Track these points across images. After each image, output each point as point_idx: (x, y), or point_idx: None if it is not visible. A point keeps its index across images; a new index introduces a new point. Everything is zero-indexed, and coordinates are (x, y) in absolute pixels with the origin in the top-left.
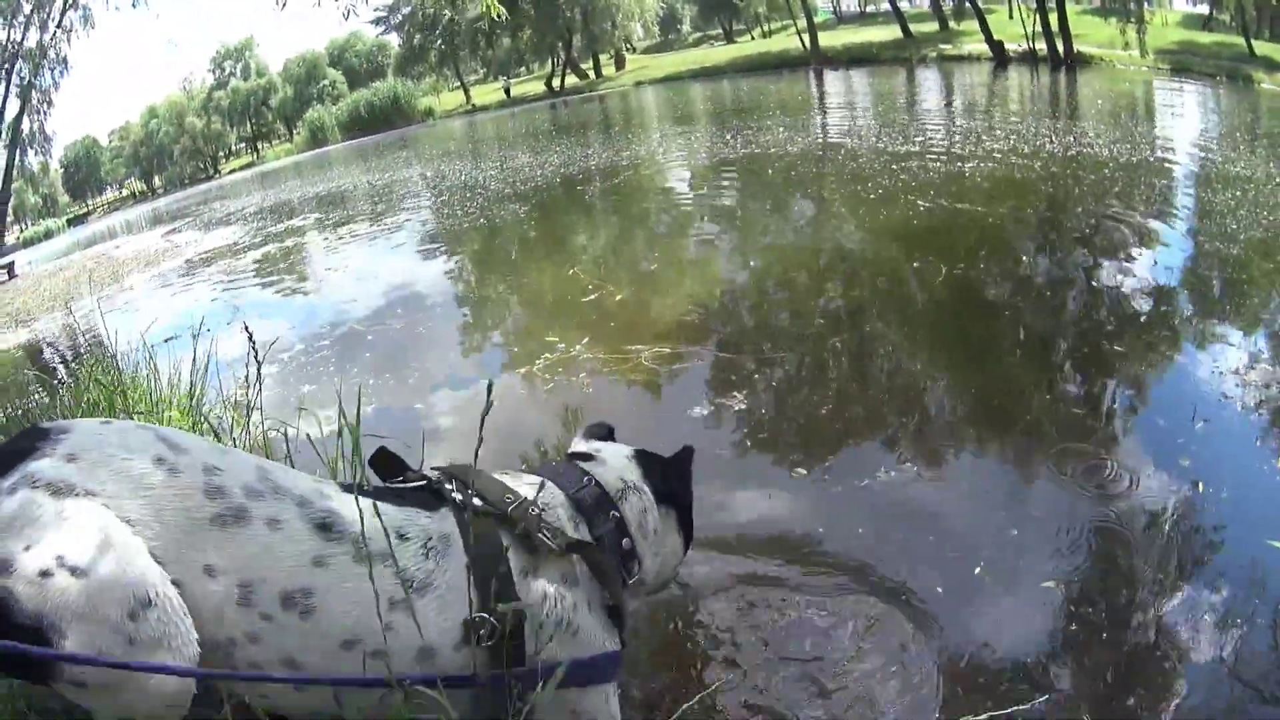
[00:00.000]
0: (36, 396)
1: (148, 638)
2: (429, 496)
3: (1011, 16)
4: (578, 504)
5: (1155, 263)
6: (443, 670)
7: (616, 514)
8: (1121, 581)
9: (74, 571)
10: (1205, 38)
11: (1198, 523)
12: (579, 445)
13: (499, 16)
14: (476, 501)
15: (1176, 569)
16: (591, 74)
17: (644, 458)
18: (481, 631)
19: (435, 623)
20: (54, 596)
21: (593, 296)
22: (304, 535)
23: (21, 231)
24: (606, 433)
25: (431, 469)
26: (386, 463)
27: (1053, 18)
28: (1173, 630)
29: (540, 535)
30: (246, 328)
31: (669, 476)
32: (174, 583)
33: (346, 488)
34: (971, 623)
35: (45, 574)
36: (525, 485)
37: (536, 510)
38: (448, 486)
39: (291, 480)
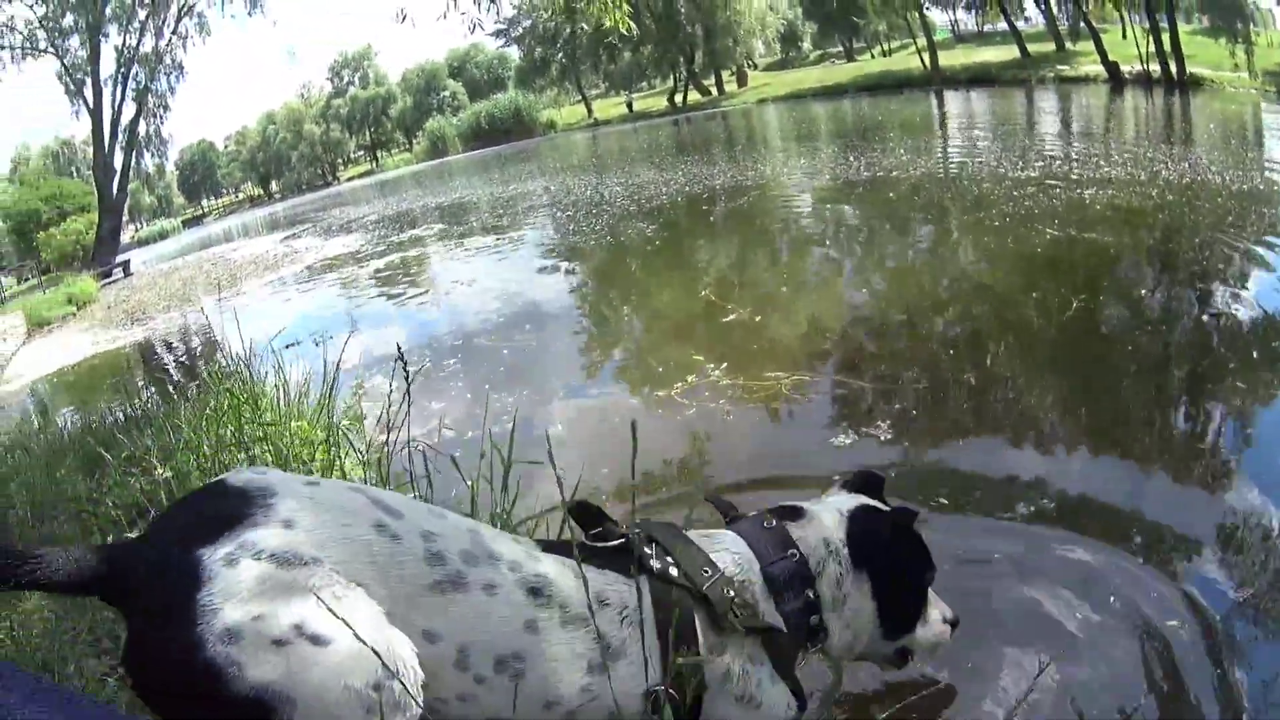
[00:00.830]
0: (154, 398)
1: (389, 706)
2: (628, 559)
3: (1125, 36)
4: (771, 579)
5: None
6: None
7: (811, 593)
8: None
9: (315, 640)
10: None
11: None
12: (808, 503)
13: (628, 32)
14: (673, 571)
15: None
16: (714, 90)
17: (861, 517)
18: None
19: (628, 689)
20: (293, 666)
21: (727, 319)
22: (518, 600)
23: (137, 231)
24: (865, 483)
25: (634, 527)
26: (585, 513)
27: (1165, 38)
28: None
29: (730, 617)
30: (399, 349)
31: (874, 540)
32: None
33: (547, 546)
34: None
35: (280, 643)
36: (723, 551)
37: (731, 591)
38: (647, 550)
39: (502, 545)
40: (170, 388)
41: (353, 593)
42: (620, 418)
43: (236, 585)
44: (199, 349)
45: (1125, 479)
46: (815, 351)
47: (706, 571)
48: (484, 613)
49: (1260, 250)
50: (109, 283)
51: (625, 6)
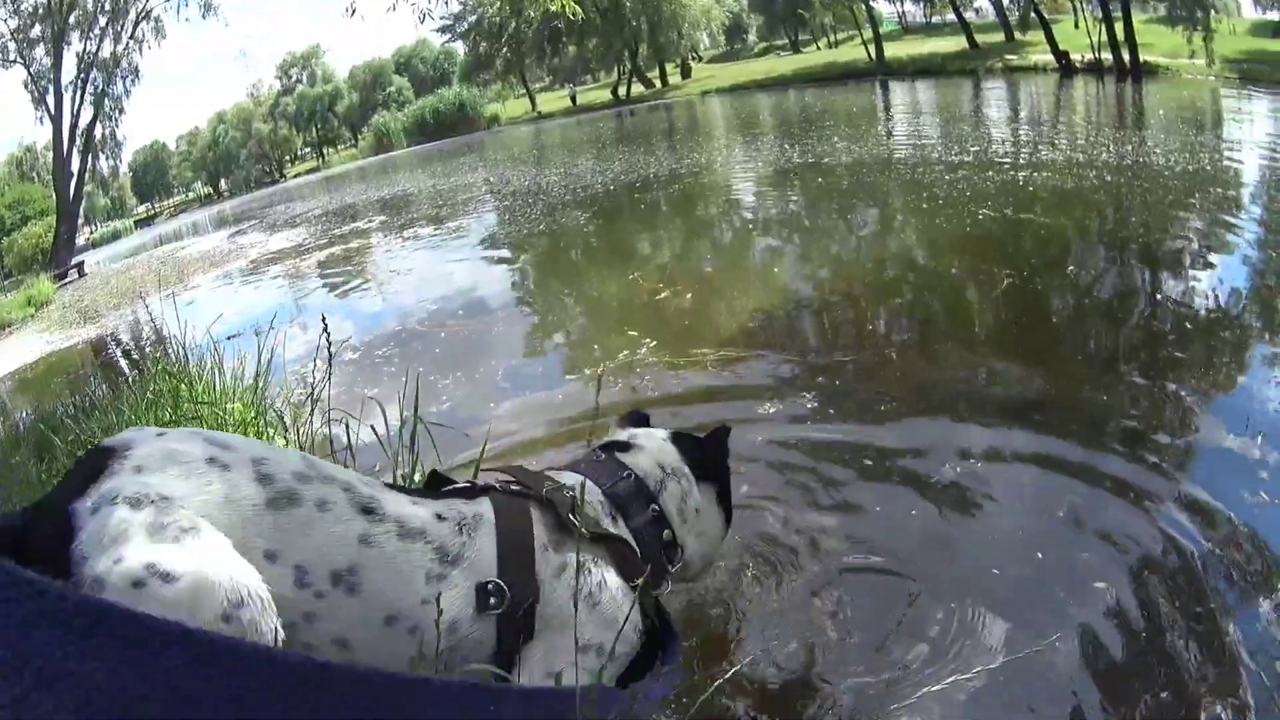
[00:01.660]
0: (103, 389)
1: (241, 636)
2: (471, 490)
3: (1077, 26)
4: (614, 498)
5: (1214, 270)
6: (462, 639)
7: (655, 508)
8: (1173, 591)
9: (166, 578)
10: (1277, 45)
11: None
12: (617, 434)
13: (574, 16)
14: (514, 487)
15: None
16: (658, 83)
17: (681, 439)
18: (493, 600)
19: (466, 596)
20: (149, 607)
21: (655, 299)
22: (351, 516)
23: (91, 233)
24: (642, 420)
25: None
26: (441, 480)
27: (1119, 27)
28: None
29: (570, 518)
30: (324, 319)
31: (708, 455)
32: None
33: (390, 486)
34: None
35: (138, 584)
36: (567, 478)
37: (571, 493)
38: (492, 481)
39: (336, 470)
40: (117, 378)
41: (200, 525)
42: (550, 393)
43: (100, 532)
44: (146, 342)
45: (1049, 451)
46: (743, 329)
47: (549, 484)
48: (317, 527)
49: (1195, 225)
50: (65, 284)
51: None
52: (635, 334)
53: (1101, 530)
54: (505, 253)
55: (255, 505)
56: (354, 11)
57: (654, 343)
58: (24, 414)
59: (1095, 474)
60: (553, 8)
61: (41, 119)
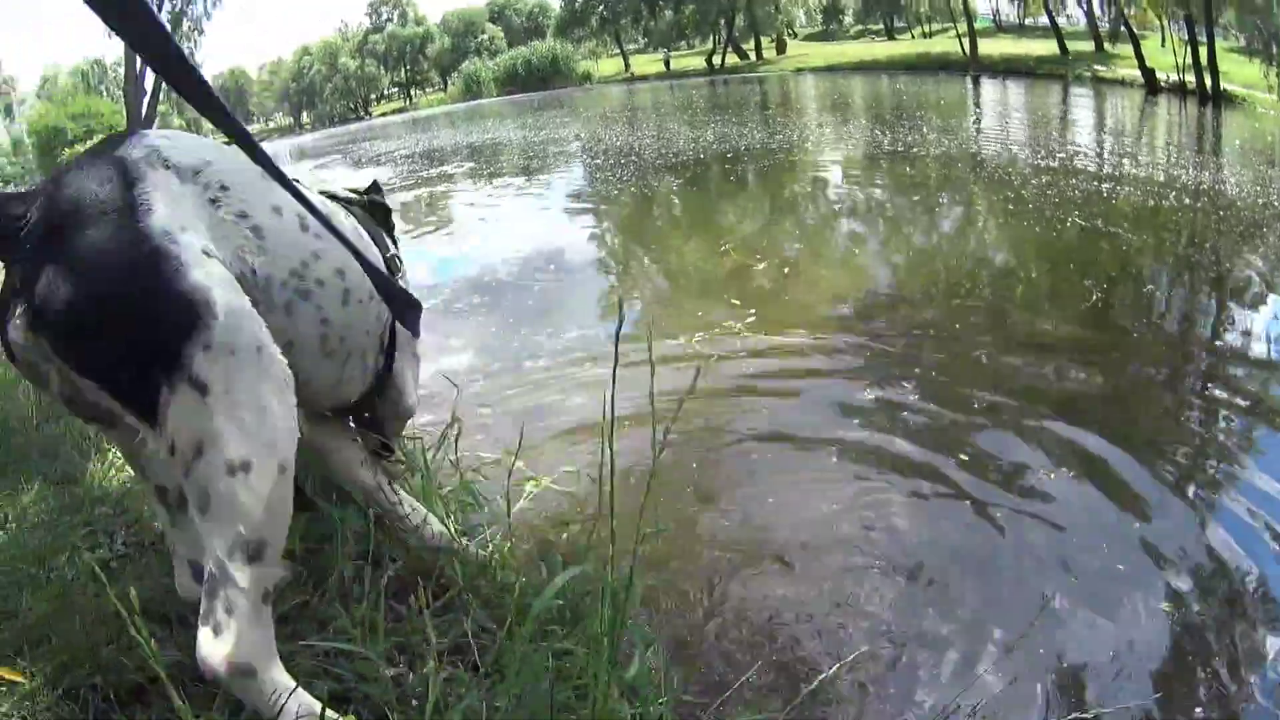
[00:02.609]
0: None
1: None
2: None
3: (1164, 45)
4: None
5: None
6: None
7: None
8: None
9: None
10: None
11: None
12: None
13: None
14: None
15: None
16: (752, 55)
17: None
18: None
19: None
20: (218, 279)
21: (747, 276)
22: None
23: None
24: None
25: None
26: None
27: (1203, 52)
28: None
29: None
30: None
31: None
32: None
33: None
34: (1082, 635)
35: (207, 254)
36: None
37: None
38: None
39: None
40: None
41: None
42: (633, 359)
43: (160, 185)
44: None
45: (1128, 468)
46: (831, 313)
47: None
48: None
49: (1259, 263)
50: None
51: None
52: (736, 304)
53: (1170, 555)
54: (597, 211)
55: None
56: None
57: (751, 318)
58: None
59: (1156, 496)
60: None
61: (111, 34)
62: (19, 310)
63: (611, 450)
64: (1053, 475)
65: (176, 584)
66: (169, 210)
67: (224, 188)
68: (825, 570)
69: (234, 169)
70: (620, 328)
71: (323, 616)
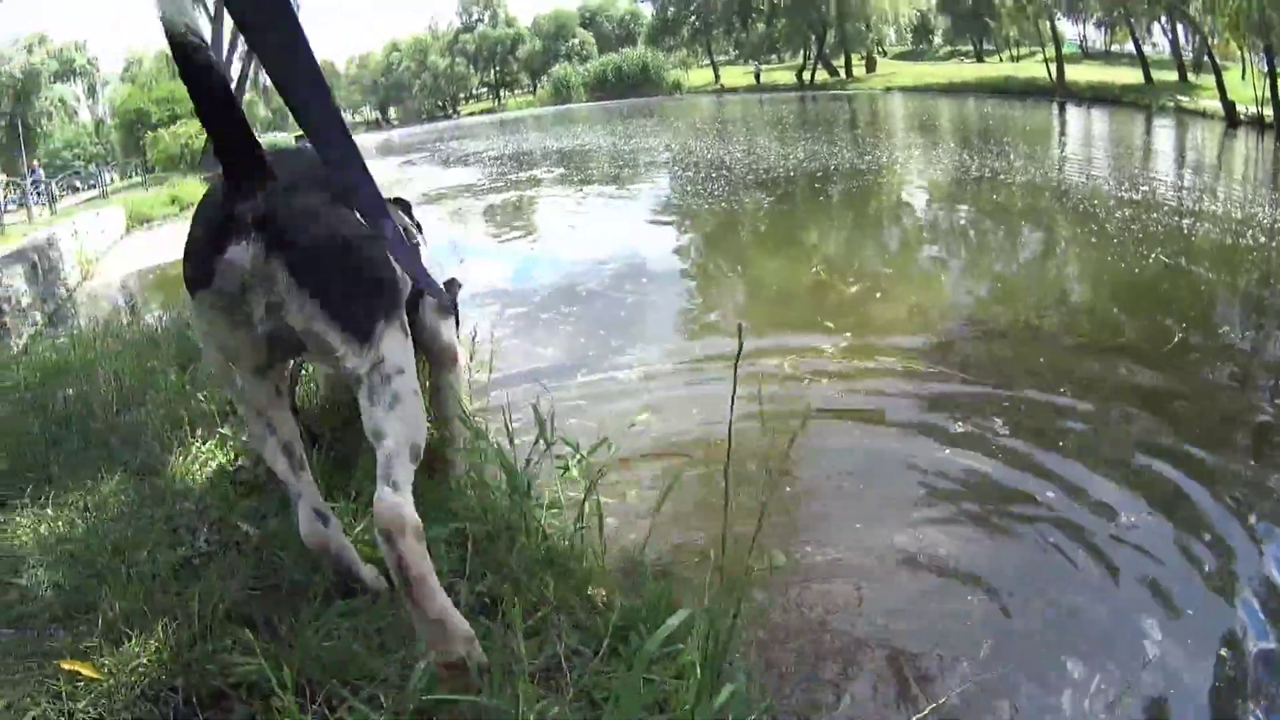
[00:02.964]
0: None
1: None
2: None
3: (1244, 77)
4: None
5: None
6: None
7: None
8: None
9: None
10: None
11: None
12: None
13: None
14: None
15: None
16: (842, 73)
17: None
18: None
19: None
20: None
21: (837, 298)
22: None
23: None
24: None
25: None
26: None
27: None
28: None
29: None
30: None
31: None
32: None
33: None
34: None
35: None
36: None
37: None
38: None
39: None
40: None
41: None
42: (717, 376)
43: None
44: None
45: (1210, 507)
46: (925, 341)
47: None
48: None
49: None
50: None
51: None
52: (830, 326)
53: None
54: (688, 224)
55: None
56: None
57: (844, 341)
58: (161, 317)
59: (1237, 537)
60: None
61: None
62: (253, 238)
63: (727, 479)
64: (1138, 514)
65: (301, 529)
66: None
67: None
68: (914, 599)
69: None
70: (740, 352)
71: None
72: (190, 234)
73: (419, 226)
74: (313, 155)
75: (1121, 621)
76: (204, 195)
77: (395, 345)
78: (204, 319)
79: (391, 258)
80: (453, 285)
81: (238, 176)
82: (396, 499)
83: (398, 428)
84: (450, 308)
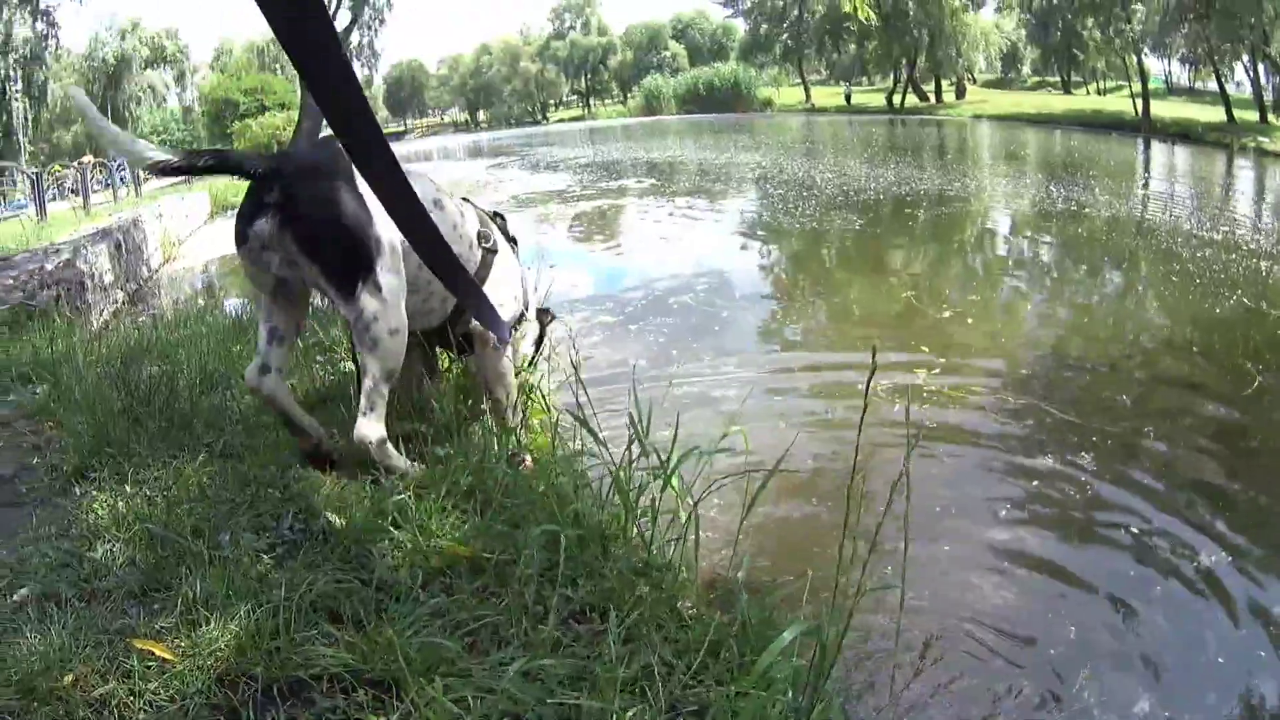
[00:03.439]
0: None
1: None
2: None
3: None
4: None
5: None
6: (470, 249)
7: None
8: None
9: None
10: None
11: None
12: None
13: (867, 20)
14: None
15: None
16: (932, 98)
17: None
18: (485, 240)
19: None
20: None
21: (928, 324)
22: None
23: None
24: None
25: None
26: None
27: None
28: None
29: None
30: None
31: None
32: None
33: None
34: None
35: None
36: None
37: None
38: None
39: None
40: None
41: None
42: (807, 393)
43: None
44: None
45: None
46: (1012, 373)
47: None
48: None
49: None
50: None
51: None
52: (924, 351)
53: None
54: (779, 243)
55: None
56: None
57: (937, 369)
58: (245, 304)
59: None
60: (846, 8)
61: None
62: (271, 215)
63: (849, 496)
64: (1222, 561)
65: (246, 374)
66: (359, 182)
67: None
68: (1010, 625)
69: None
70: (871, 379)
71: (504, 636)
72: (238, 210)
73: (514, 240)
74: (336, 147)
75: (1228, 674)
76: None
77: (371, 300)
78: (242, 263)
79: (449, 290)
80: (545, 315)
81: (259, 177)
82: (365, 426)
83: (374, 365)
84: (526, 337)
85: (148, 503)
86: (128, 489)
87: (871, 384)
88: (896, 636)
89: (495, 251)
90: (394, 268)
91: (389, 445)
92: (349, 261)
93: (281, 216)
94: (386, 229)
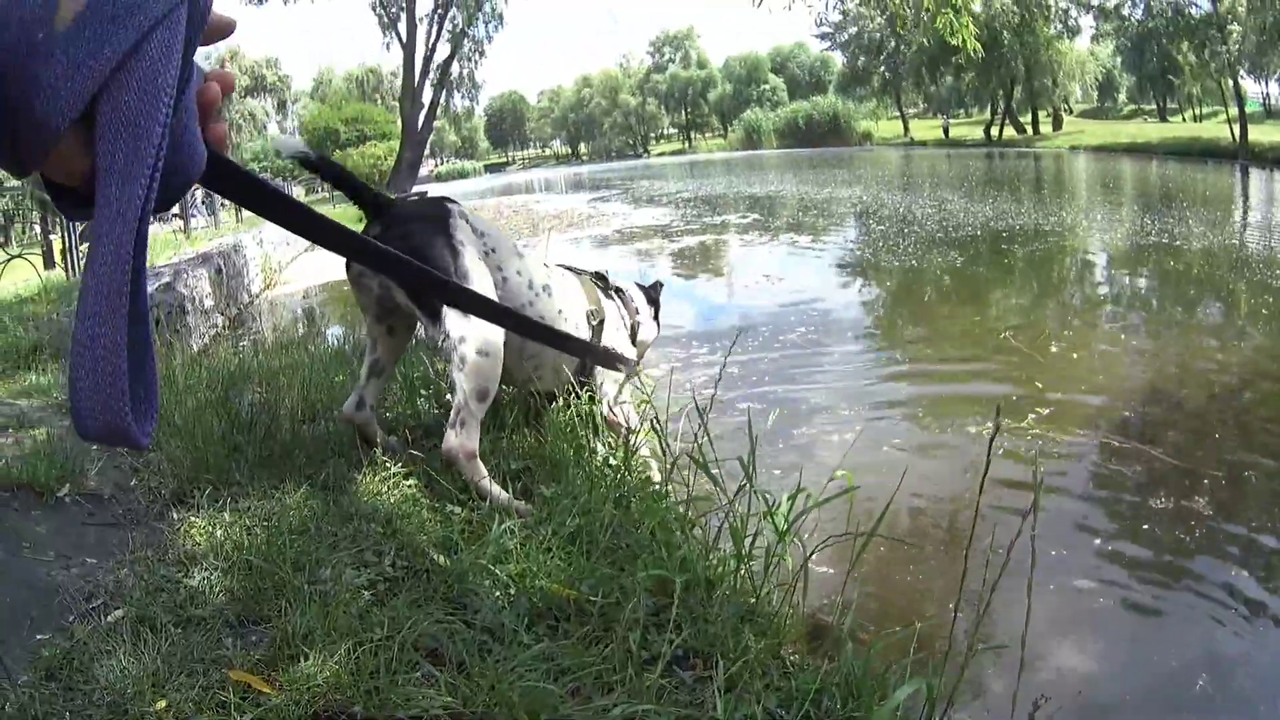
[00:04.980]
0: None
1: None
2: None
3: None
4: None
5: None
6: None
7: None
8: None
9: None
10: None
11: None
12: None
13: (975, 53)
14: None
15: None
16: (1029, 129)
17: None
18: (593, 318)
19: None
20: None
21: (1024, 364)
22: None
23: (437, 166)
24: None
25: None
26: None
27: None
28: None
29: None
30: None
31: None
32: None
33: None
34: None
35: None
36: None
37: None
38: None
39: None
40: None
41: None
42: (900, 442)
43: (462, 227)
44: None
45: None
46: (1119, 415)
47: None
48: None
49: None
50: None
51: (972, 27)
52: (1026, 393)
53: None
54: (880, 279)
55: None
56: (760, 2)
57: (1037, 410)
58: (348, 333)
59: None
60: (953, 41)
61: (389, 45)
62: None
63: (968, 552)
64: None
65: (345, 406)
66: (463, 237)
67: (493, 250)
68: (1112, 694)
69: (500, 240)
70: (995, 434)
71: (608, 681)
72: None
73: (656, 303)
74: (429, 202)
75: None
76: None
77: (457, 322)
78: (352, 287)
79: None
80: (656, 288)
81: (368, 214)
82: (454, 439)
83: (463, 383)
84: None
85: (247, 532)
86: (226, 517)
87: (975, 428)
88: (1014, 704)
89: (604, 321)
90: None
91: (479, 464)
92: (434, 293)
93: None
94: (477, 275)
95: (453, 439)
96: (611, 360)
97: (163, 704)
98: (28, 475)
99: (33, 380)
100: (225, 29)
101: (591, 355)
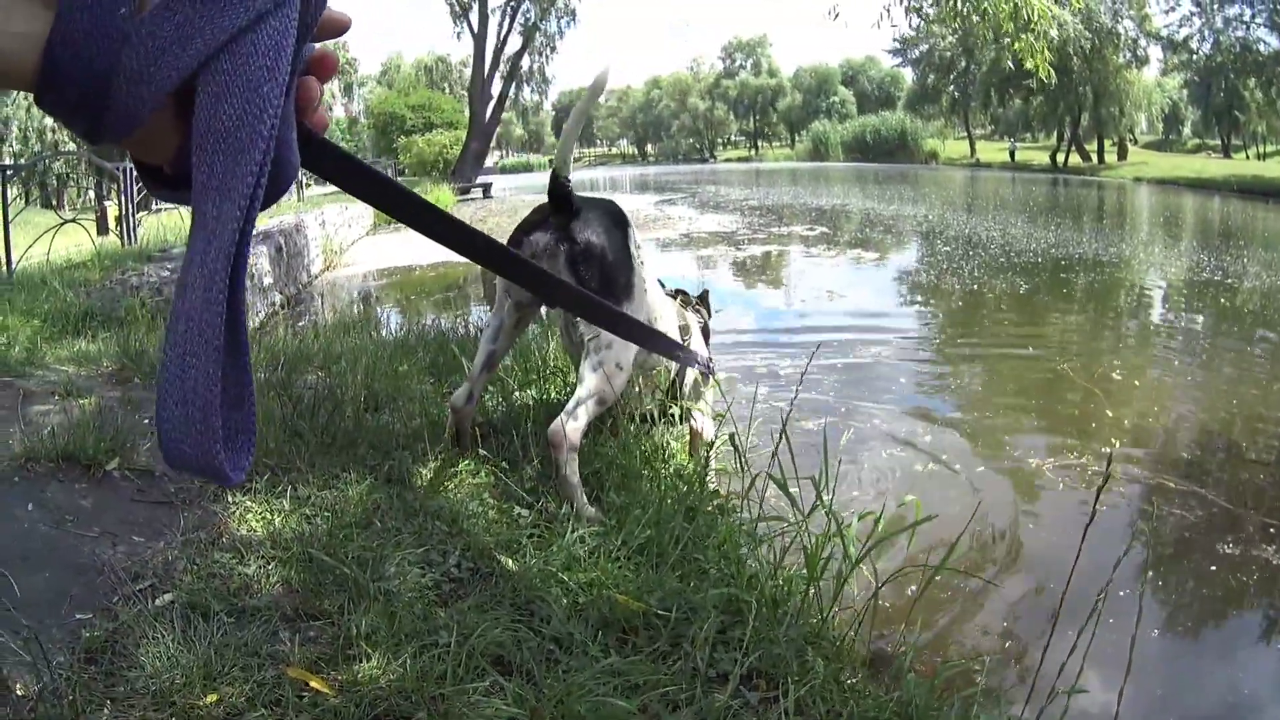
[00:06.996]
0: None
1: None
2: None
3: None
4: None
5: None
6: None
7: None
8: None
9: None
10: None
11: None
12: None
13: (1048, 79)
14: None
15: None
16: (1094, 157)
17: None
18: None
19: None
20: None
21: (1082, 400)
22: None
23: (502, 158)
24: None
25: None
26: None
27: None
28: None
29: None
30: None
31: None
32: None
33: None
34: None
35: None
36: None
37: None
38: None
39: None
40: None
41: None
42: (960, 468)
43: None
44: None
45: None
46: (1169, 455)
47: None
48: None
49: None
50: (466, 199)
51: (1047, 53)
52: (1087, 430)
53: None
54: (944, 301)
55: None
56: (837, 15)
57: (1097, 448)
58: (417, 320)
59: None
60: (1027, 64)
61: (460, 35)
62: (553, 231)
63: (1063, 597)
64: None
65: (454, 395)
66: (636, 244)
67: (644, 262)
68: None
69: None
70: (1108, 473)
71: (675, 699)
72: (521, 221)
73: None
74: (607, 202)
75: None
76: (533, 209)
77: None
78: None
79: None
80: (706, 297)
81: (557, 206)
82: (565, 423)
83: (591, 382)
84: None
85: (307, 522)
86: (285, 504)
87: (1037, 463)
88: None
89: (690, 334)
90: (641, 311)
91: (576, 459)
92: (603, 287)
93: (562, 235)
94: (649, 290)
95: (565, 426)
96: (708, 374)
97: (214, 697)
98: (74, 446)
99: (81, 347)
100: (341, 27)
101: (703, 369)
